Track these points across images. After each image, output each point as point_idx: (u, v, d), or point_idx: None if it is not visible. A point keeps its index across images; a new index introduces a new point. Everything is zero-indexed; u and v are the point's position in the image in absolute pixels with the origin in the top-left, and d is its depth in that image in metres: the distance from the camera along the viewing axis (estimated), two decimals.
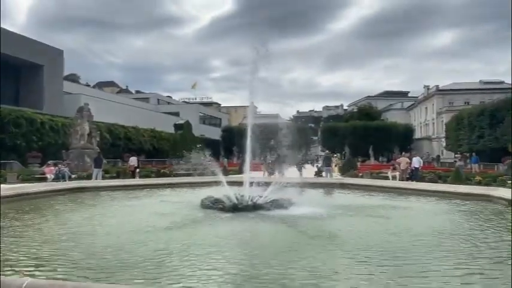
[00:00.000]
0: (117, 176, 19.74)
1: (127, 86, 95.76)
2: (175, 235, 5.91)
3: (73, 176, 18.54)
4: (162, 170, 22.13)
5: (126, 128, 37.52)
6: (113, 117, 36.59)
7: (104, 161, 20.34)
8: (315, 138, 77.32)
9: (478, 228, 6.62)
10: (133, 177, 19.52)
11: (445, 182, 17.09)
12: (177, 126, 43.94)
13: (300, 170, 21.09)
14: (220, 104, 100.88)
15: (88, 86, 67.91)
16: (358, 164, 31.79)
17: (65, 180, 16.95)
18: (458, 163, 25.04)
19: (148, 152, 39.04)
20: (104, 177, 18.41)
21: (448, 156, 45.90)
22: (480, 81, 63.72)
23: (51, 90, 36.96)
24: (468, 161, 28.42)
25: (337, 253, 4.88)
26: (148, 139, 40.61)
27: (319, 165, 24.27)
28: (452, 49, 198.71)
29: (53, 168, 18.88)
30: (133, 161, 21.32)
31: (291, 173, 19.50)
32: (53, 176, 17.93)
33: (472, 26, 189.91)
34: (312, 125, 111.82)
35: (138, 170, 20.95)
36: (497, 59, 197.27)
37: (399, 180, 18.77)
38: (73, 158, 21.82)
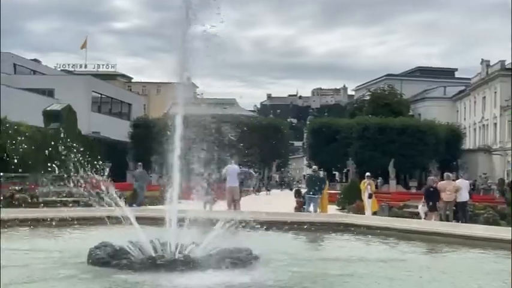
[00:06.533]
0: None
1: None
2: None
3: None
4: (17, 195, 21.89)
5: None
6: None
7: None
8: (298, 144, 78.66)
9: None
10: None
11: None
12: (50, 115, 42.95)
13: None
14: (130, 78, 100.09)
15: None
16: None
17: None
18: None
19: None
20: None
21: None
22: None
23: None
24: None
25: None
26: None
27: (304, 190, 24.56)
28: None
29: None
30: None
31: (252, 201, 19.45)
32: None
33: None
34: (293, 121, 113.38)
35: None
36: None
37: (440, 219, 19.23)
38: None
